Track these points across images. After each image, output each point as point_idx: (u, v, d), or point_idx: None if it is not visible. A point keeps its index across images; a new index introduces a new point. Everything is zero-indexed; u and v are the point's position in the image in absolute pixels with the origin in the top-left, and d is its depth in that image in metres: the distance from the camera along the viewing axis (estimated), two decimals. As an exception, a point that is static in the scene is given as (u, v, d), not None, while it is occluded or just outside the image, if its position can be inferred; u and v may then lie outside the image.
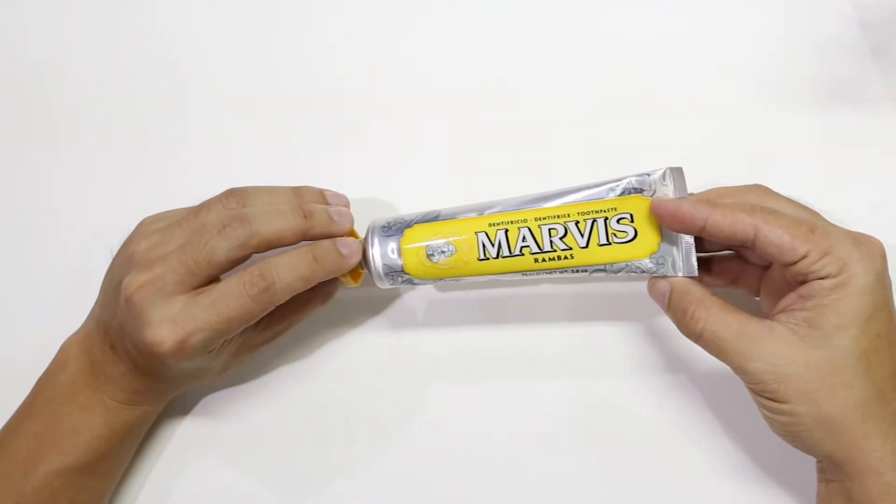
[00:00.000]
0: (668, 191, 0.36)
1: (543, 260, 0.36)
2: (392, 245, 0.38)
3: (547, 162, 0.45)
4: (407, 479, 0.43)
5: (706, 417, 0.42)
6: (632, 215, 0.36)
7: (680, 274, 0.36)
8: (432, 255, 0.37)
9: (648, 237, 0.36)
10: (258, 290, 0.35)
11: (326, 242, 0.37)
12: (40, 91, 0.49)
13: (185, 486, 0.43)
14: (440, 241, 0.37)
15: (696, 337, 0.35)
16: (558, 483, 0.42)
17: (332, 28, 0.49)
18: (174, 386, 0.40)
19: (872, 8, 0.45)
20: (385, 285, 0.39)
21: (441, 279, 0.38)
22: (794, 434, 0.34)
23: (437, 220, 0.38)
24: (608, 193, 0.37)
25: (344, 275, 0.38)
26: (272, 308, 0.36)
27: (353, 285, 0.40)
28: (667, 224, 0.36)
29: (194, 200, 0.39)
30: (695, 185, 0.40)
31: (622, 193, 0.36)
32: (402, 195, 0.45)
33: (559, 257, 0.36)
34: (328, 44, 0.48)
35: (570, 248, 0.36)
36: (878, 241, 0.34)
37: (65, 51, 0.50)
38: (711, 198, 0.36)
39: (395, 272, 0.38)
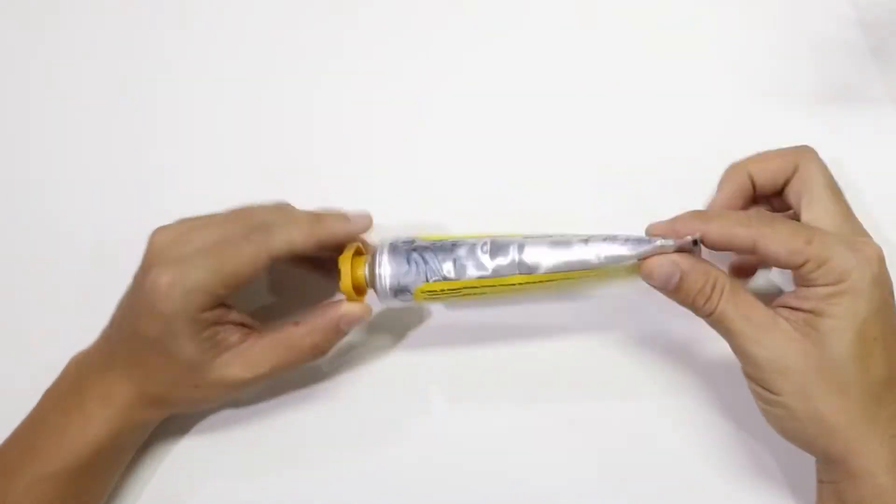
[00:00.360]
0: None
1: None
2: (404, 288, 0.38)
3: (548, 163, 0.45)
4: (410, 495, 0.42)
5: (712, 424, 0.42)
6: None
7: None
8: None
9: None
10: (258, 233, 0.37)
11: (331, 211, 0.39)
12: (42, 110, 0.49)
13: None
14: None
15: (706, 315, 0.35)
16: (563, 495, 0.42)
17: (337, 47, 0.49)
18: (162, 390, 0.38)
19: (872, 8, 0.45)
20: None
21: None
22: (788, 429, 0.34)
23: (451, 280, 0.38)
24: (618, 263, 0.36)
25: (347, 286, 0.38)
26: (267, 261, 0.37)
27: (357, 300, 0.39)
28: None
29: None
30: (694, 184, 0.40)
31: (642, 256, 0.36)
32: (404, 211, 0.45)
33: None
34: (329, 61, 0.49)
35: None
36: (876, 246, 0.35)
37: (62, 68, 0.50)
38: (755, 162, 0.38)
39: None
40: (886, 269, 0.34)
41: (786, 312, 0.34)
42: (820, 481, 0.36)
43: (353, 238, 0.39)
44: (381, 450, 0.42)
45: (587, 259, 0.36)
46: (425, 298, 0.38)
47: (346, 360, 0.44)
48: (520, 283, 0.37)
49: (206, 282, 0.36)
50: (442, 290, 0.38)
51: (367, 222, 0.40)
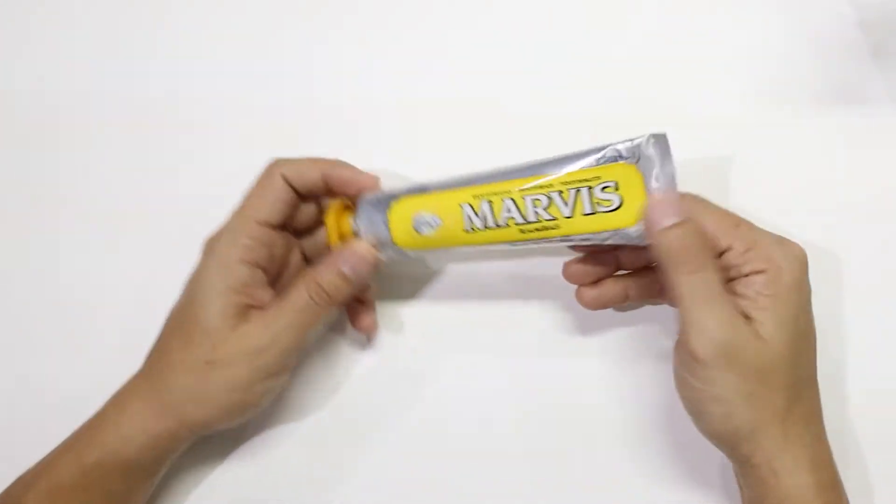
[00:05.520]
0: (652, 156, 0.35)
1: (529, 231, 0.36)
2: (380, 218, 0.38)
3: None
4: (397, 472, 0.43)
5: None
6: (616, 183, 0.35)
7: None
8: (419, 227, 0.37)
9: (634, 204, 0.35)
10: (269, 166, 0.39)
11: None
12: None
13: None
14: (426, 215, 0.37)
15: (690, 272, 0.33)
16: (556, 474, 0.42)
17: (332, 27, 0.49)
18: (173, 382, 0.37)
19: (872, 8, 0.45)
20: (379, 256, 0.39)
21: (431, 250, 0.38)
22: (717, 423, 0.33)
23: (423, 193, 0.38)
24: (592, 163, 0.36)
25: (334, 240, 0.39)
26: (282, 183, 0.38)
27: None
28: None
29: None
30: (694, 184, 0.40)
31: (606, 162, 0.35)
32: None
33: (544, 227, 0.36)
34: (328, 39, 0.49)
35: (555, 219, 0.36)
36: (799, 245, 0.35)
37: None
38: None
39: (385, 244, 0.38)
40: (808, 270, 0.35)
41: None
42: (741, 487, 0.35)
43: (357, 186, 0.39)
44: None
45: (545, 163, 0.36)
46: (408, 241, 0.38)
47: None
48: (481, 191, 0.37)
49: (237, 224, 0.38)
50: (409, 210, 0.37)
51: (373, 178, 0.39)
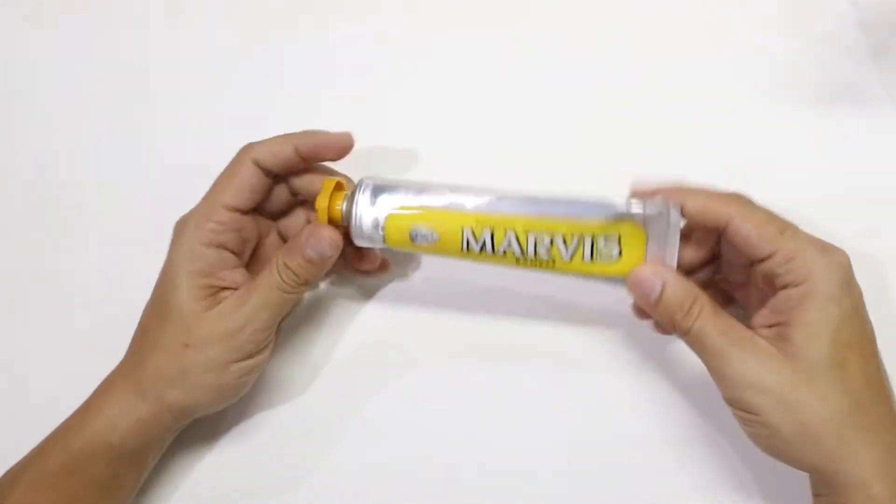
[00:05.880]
0: (660, 223, 0.36)
1: (525, 262, 0.37)
2: (376, 220, 0.38)
3: (547, 158, 0.45)
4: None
5: (696, 422, 0.42)
6: (619, 237, 0.36)
7: None
8: (415, 238, 0.37)
9: (632, 257, 0.36)
10: (240, 152, 0.39)
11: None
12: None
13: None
14: (425, 229, 0.37)
15: (684, 332, 0.35)
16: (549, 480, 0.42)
17: None
18: (154, 368, 0.37)
19: (872, 8, 0.45)
20: (364, 245, 0.39)
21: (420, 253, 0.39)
22: (774, 447, 0.34)
23: (423, 207, 0.37)
24: (601, 216, 0.36)
25: (323, 220, 0.39)
26: (252, 167, 0.39)
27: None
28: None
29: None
30: (694, 183, 0.40)
31: (614, 218, 0.36)
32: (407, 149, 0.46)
33: (541, 263, 0.36)
34: None
35: (553, 259, 0.36)
36: (843, 251, 0.35)
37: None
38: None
39: (376, 241, 0.38)
40: (854, 275, 0.34)
41: (762, 331, 0.34)
42: (816, 495, 0.35)
43: (332, 149, 0.39)
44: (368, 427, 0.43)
45: (556, 202, 0.37)
46: (399, 245, 0.38)
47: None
48: (485, 219, 0.37)
49: (205, 209, 0.38)
50: (408, 222, 0.37)
51: (347, 138, 0.39)
